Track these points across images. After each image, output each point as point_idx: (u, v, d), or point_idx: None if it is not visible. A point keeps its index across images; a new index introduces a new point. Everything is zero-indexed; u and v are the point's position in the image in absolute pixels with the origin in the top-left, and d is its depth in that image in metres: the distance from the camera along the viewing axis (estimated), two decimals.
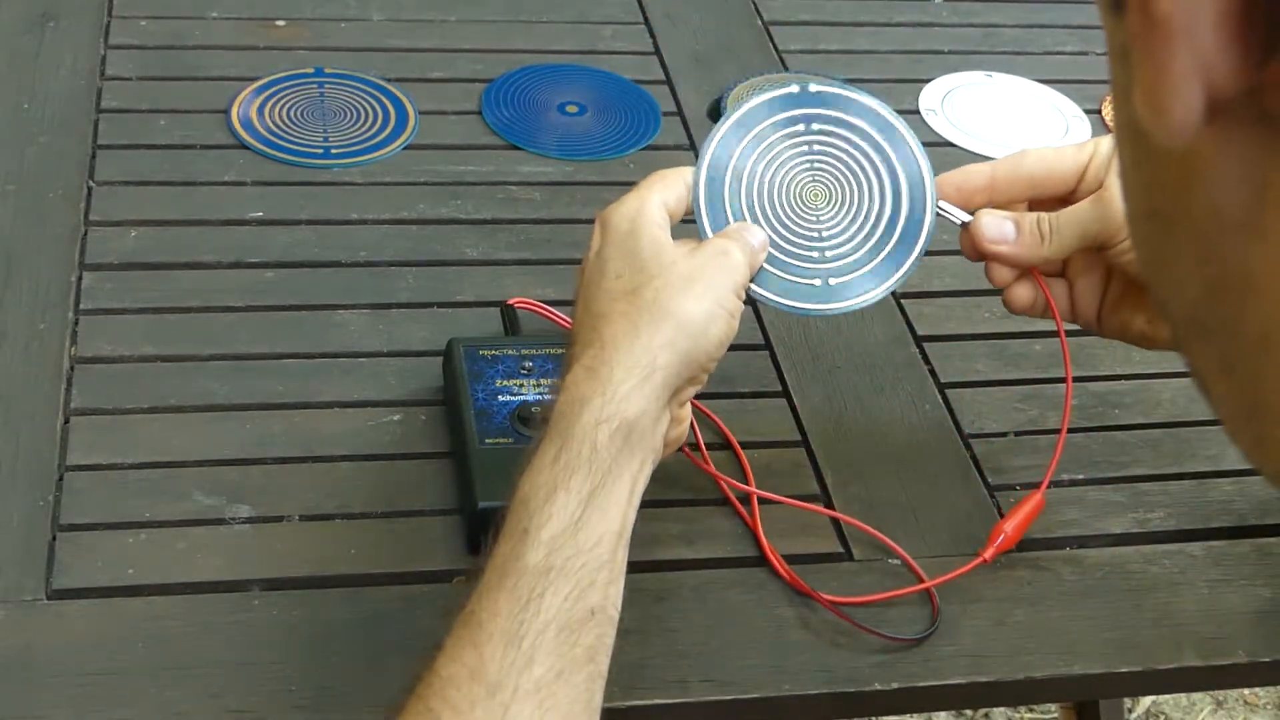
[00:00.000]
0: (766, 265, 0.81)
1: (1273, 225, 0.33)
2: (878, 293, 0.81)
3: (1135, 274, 0.82)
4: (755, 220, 0.81)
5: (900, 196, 0.82)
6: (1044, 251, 0.81)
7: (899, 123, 0.83)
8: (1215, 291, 0.35)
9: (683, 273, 0.75)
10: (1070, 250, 0.81)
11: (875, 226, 0.82)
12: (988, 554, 0.83)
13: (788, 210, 0.82)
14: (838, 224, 0.82)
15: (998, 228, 0.81)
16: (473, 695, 0.63)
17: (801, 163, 0.82)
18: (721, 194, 0.81)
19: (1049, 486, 0.86)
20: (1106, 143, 0.83)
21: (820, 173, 0.82)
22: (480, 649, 0.64)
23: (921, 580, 0.82)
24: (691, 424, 0.81)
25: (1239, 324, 0.35)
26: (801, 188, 0.82)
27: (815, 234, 0.82)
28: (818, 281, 0.81)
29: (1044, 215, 0.81)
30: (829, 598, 0.81)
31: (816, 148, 0.82)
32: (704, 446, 0.88)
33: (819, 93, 0.82)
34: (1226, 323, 0.35)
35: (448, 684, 0.63)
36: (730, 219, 0.81)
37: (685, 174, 0.81)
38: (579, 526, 0.67)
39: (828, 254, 0.82)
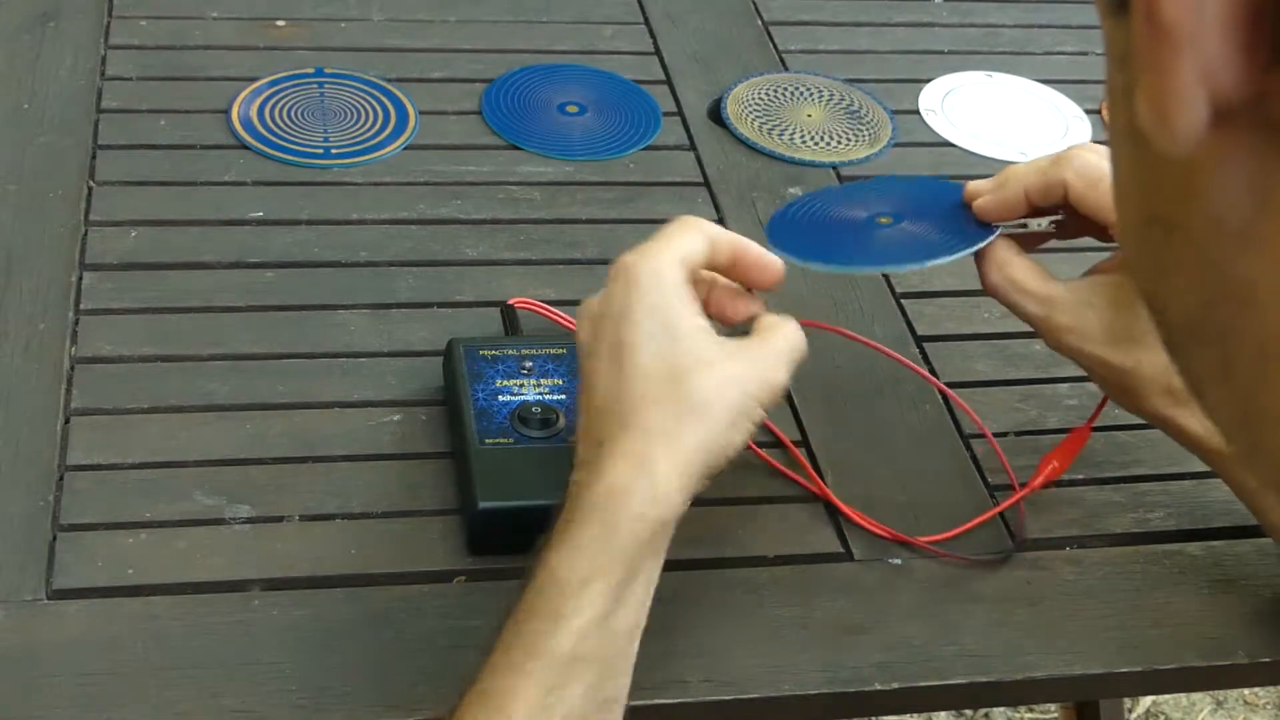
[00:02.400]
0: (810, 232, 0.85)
1: (1273, 235, 0.33)
2: (904, 266, 0.87)
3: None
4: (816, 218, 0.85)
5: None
6: (1000, 195, 0.84)
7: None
8: (1213, 300, 0.35)
9: (727, 375, 0.72)
10: (1015, 202, 0.83)
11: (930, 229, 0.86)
12: (1036, 482, 0.87)
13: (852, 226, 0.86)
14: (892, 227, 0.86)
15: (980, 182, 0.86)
16: None
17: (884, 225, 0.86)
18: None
19: (1047, 487, 0.87)
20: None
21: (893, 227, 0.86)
22: None
23: (1016, 488, 0.87)
24: None
25: (1237, 333, 0.35)
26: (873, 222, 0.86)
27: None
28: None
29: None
30: (924, 540, 0.84)
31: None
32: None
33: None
34: (1224, 331, 0.35)
35: None
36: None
37: (705, 226, 0.77)
38: (608, 618, 0.67)
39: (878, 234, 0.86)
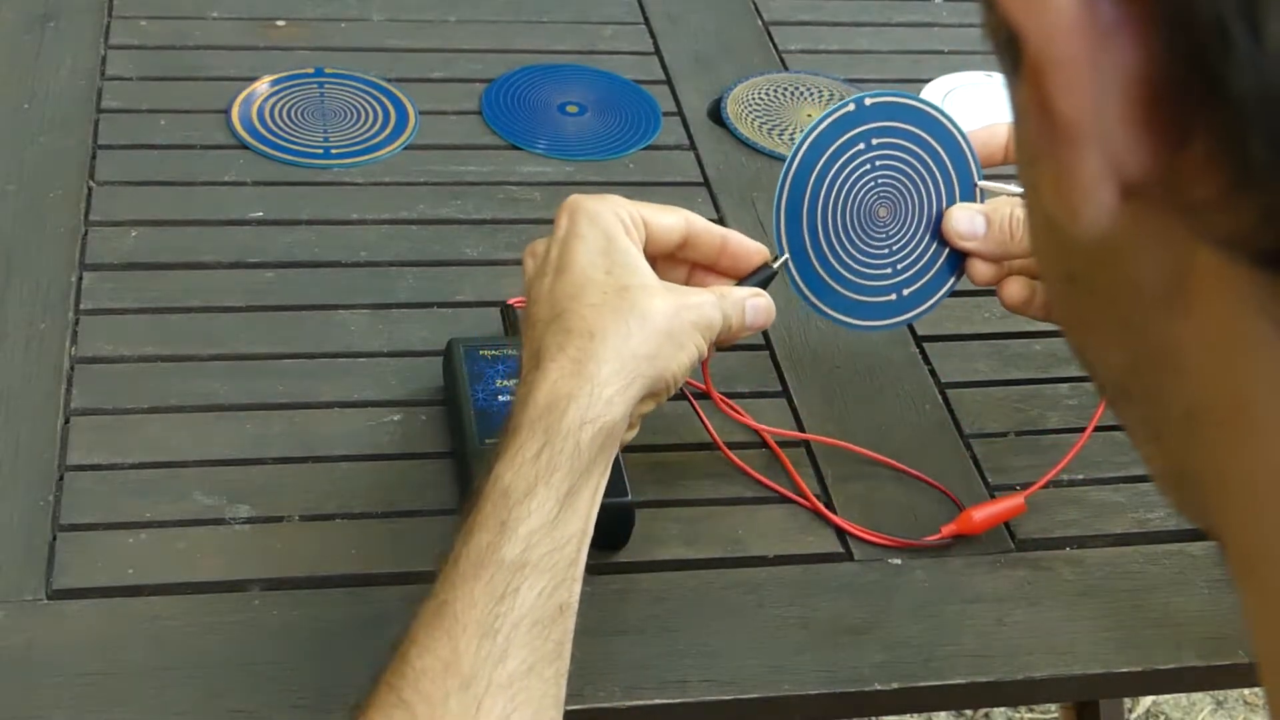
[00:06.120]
0: (841, 289, 0.83)
1: (1196, 304, 0.30)
2: (947, 289, 0.85)
3: None
4: (830, 246, 0.82)
5: (954, 190, 0.84)
6: (1012, 247, 0.82)
7: (944, 117, 0.84)
8: (1139, 363, 0.33)
9: (669, 299, 0.75)
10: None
11: (936, 224, 0.84)
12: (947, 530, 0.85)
13: (859, 232, 0.83)
14: (904, 233, 0.84)
15: (968, 222, 0.82)
16: (446, 687, 0.63)
17: (866, 181, 0.83)
18: (800, 221, 0.82)
19: (1046, 486, 0.87)
20: None
21: (884, 187, 0.83)
22: (455, 641, 0.64)
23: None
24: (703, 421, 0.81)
25: (1163, 396, 0.33)
26: (869, 206, 0.83)
27: (886, 250, 0.84)
28: (894, 296, 0.84)
29: (1019, 210, 0.81)
30: (946, 531, 0.84)
31: (878, 163, 0.83)
32: (725, 446, 0.88)
33: (874, 105, 0.83)
34: (1150, 394, 0.33)
35: (421, 675, 0.64)
36: (808, 241, 0.82)
37: (688, 213, 0.80)
38: (555, 524, 0.68)
39: (899, 266, 0.84)
